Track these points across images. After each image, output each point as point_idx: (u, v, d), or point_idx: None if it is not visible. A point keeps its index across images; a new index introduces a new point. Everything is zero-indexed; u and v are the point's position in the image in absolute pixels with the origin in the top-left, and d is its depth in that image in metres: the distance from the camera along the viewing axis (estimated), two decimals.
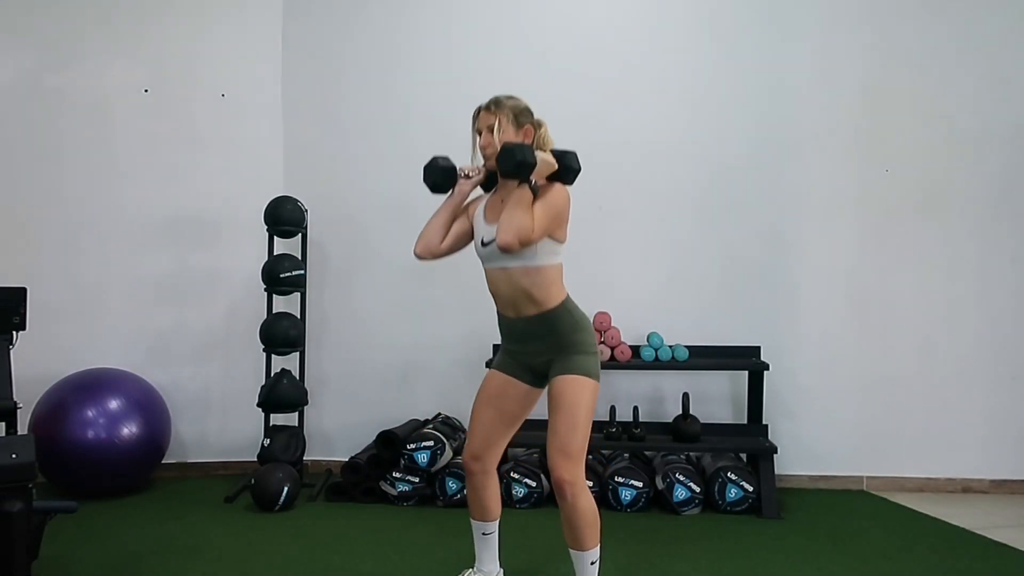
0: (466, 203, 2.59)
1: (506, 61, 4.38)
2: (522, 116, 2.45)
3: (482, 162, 2.52)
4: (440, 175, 2.51)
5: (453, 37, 4.43)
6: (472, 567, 2.63)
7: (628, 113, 4.33)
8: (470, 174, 2.54)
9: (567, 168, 2.39)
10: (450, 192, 2.55)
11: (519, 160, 2.26)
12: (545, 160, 2.34)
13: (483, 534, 2.61)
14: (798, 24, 4.26)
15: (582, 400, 2.33)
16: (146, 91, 4.37)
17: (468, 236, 2.56)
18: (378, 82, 4.45)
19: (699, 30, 4.32)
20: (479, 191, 2.60)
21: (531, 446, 4.04)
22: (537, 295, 2.38)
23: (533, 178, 2.33)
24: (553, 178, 2.39)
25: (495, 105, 2.44)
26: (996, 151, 4.17)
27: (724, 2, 4.32)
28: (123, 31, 4.35)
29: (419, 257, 2.55)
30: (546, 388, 2.44)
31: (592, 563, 2.36)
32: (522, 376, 2.51)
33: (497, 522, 2.62)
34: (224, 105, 4.43)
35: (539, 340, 2.42)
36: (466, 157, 4.52)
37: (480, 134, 2.47)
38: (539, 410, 2.53)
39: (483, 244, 2.46)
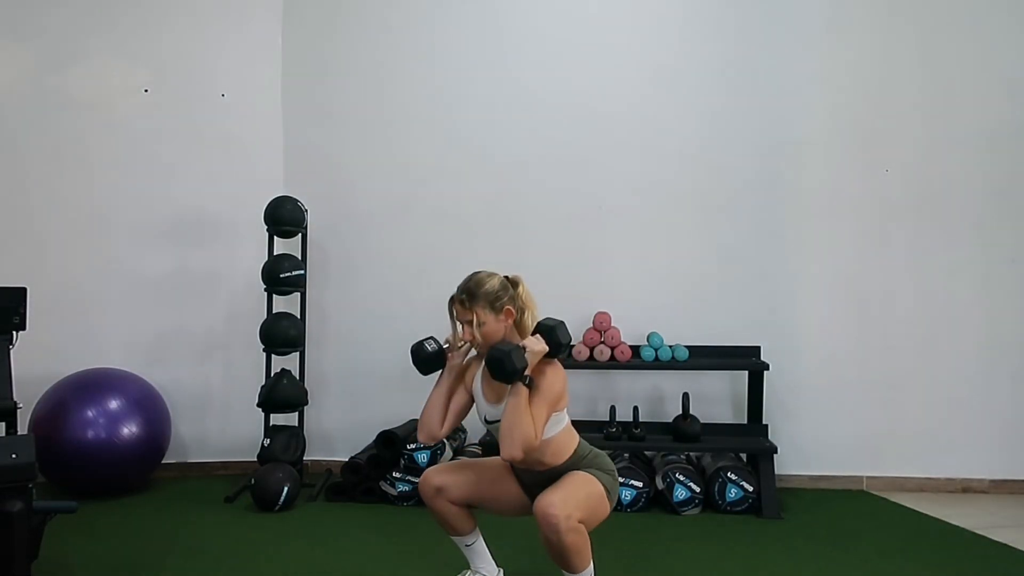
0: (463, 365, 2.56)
1: (505, 61, 4.39)
2: (498, 301, 2.38)
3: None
4: (429, 362, 2.49)
5: (453, 37, 4.43)
6: (471, 568, 2.63)
7: (628, 113, 4.32)
8: (459, 344, 2.49)
9: (556, 346, 2.34)
10: (441, 371, 2.52)
11: (509, 370, 2.24)
12: (534, 352, 2.30)
13: (466, 546, 2.60)
14: (799, 24, 4.25)
15: (592, 486, 2.32)
16: (146, 91, 4.37)
17: (468, 406, 2.56)
18: (378, 82, 4.45)
19: (700, 30, 4.32)
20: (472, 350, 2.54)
21: None
22: (547, 460, 2.40)
23: (527, 374, 2.30)
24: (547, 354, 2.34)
25: (469, 299, 2.38)
26: (996, 151, 4.16)
27: (725, 3, 4.32)
28: (124, 32, 4.35)
29: (424, 444, 2.63)
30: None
31: None
32: (524, 487, 2.51)
33: (475, 532, 2.59)
34: (224, 105, 4.43)
35: (548, 483, 2.38)
36: (467, 155, 4.53)
37: (461, 325, 2.44)
38: None
39: (487, 421, 2.49)
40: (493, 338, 2.39)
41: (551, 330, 2.34)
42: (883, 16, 4.23)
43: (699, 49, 4.32)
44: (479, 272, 2.46)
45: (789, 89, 4.27)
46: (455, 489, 2.49)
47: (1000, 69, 4.17)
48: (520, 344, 2.31)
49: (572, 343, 2.36)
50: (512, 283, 2.46)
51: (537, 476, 2.43)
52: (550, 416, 2.32)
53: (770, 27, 4.28)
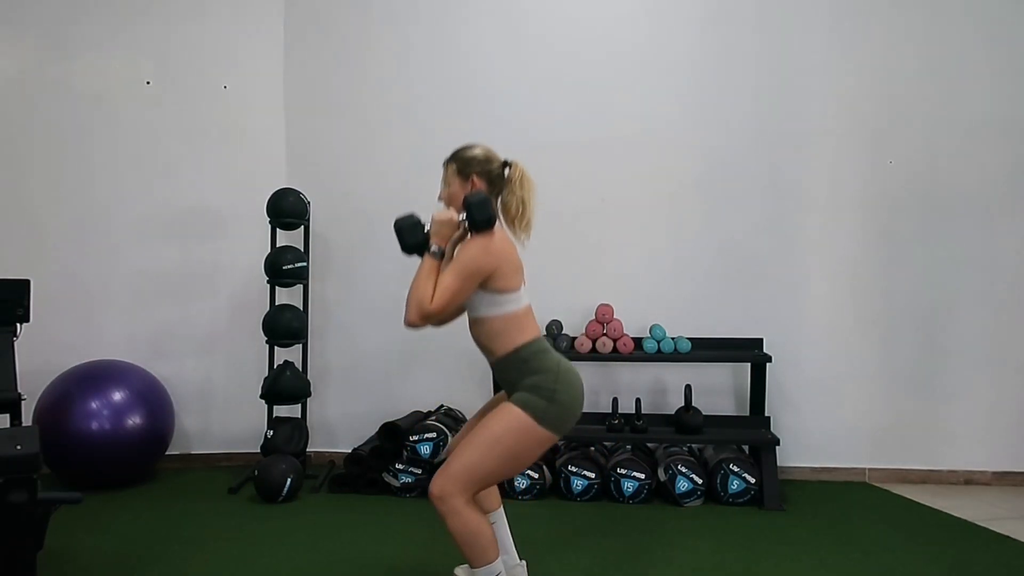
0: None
1: (509, 52, 4.38)
2: (467, 167, 2.37)
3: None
4: (406, 230, 2.36)
5: (454, 27, 4.42)
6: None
7: (632, 105, 4.31)
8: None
9: (472, 222, 2.25)
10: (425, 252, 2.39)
11: (404, 246, 2.28)
12: (439, 221, 2.29)
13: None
14: (803, 16, 4.24)
15: (496, 428, 2.17)
16: (148, 83, 4.36)
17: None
18: (380, 73, 4.45)
19: (704, 21, 4.30)
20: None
21: None
22: (487, 344, 2.33)
23: (436, 243, 2.28)
24: (478, 229, 2.26)
25: (449, 159, 2.41)
26: (999, 143, 4.15)
27: None
28: (125, 23, 4.35)
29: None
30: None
31: None
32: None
33: (493, 513, 2.52)
34: (226, 97, 4.42)
35: (502, 384, 2.35)
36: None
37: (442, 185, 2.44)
38: None
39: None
40: (454, 202, 2.39)
41: (468, 206, 2.26)
42: (887, 6, 4.20)
43: (704, 41, 4.30)
44: (478, 144, 2.43)
45: (792, 81, 4.25)
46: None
47: (1004, 59, 4.15)
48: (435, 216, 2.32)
49: (493, 219, 2.26)
50: (505, 163, 2.41)
51: (497, 372, 2.36)
52: (464, 290, 2.22)
53: (773, 19, 4.26)
